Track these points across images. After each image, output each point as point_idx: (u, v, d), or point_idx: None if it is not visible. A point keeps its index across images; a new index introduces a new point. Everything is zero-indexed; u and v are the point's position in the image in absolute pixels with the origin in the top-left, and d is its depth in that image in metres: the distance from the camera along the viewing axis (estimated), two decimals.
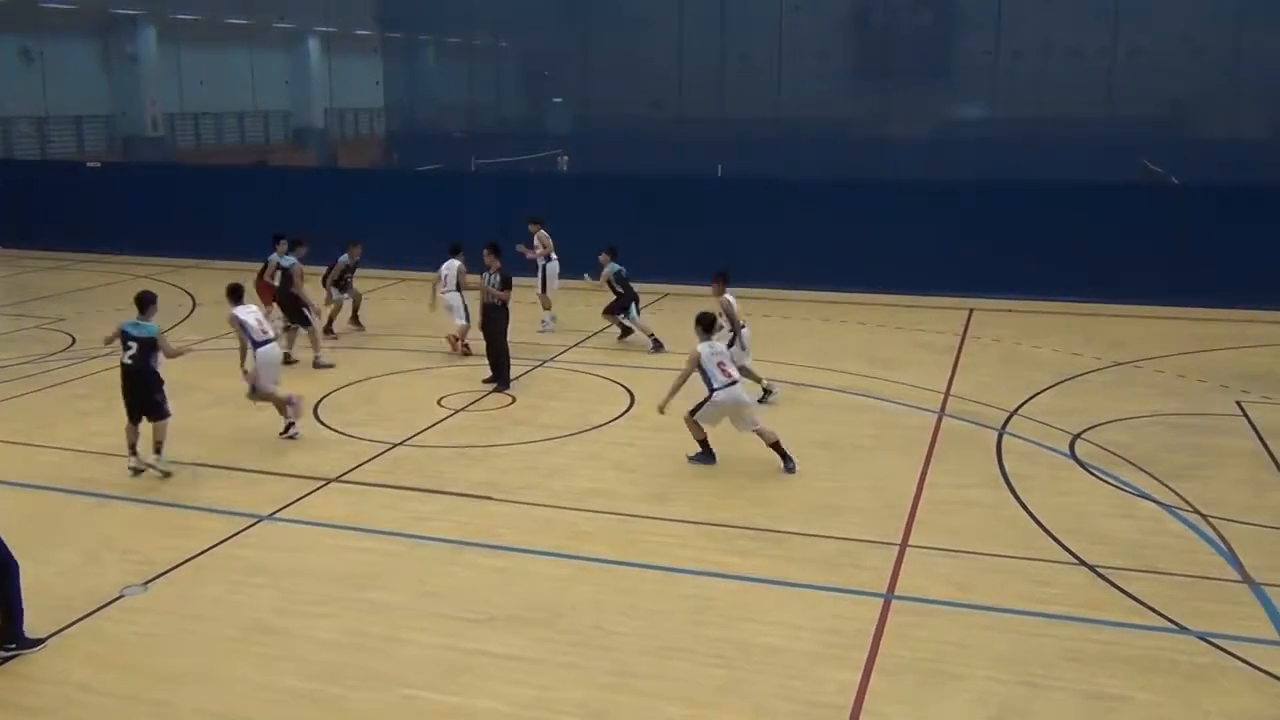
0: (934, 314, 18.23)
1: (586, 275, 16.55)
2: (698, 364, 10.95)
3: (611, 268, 16.22)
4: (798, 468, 10.90)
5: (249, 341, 11.73)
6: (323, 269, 17.07)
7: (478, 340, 14.67)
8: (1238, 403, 13.13)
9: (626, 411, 12.92)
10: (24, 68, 38.39)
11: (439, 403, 13.32)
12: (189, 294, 20.04)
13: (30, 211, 25.08)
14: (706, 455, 11.13)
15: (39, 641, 7.53)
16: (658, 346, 15.74)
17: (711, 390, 10.85)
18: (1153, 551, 8.99)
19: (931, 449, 11.59)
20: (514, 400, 13.53)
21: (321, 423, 12.61)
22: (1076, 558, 8.86)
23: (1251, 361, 15.16)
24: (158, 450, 10.76)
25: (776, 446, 10.95)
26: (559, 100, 48.32)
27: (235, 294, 11.98)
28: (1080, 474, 10.83)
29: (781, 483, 10.65)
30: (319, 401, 13.36)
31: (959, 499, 10.21)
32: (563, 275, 17.34)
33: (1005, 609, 8.04)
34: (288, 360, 14.82)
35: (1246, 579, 8.51)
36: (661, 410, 11.22)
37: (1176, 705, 6.82)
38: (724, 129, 40.34)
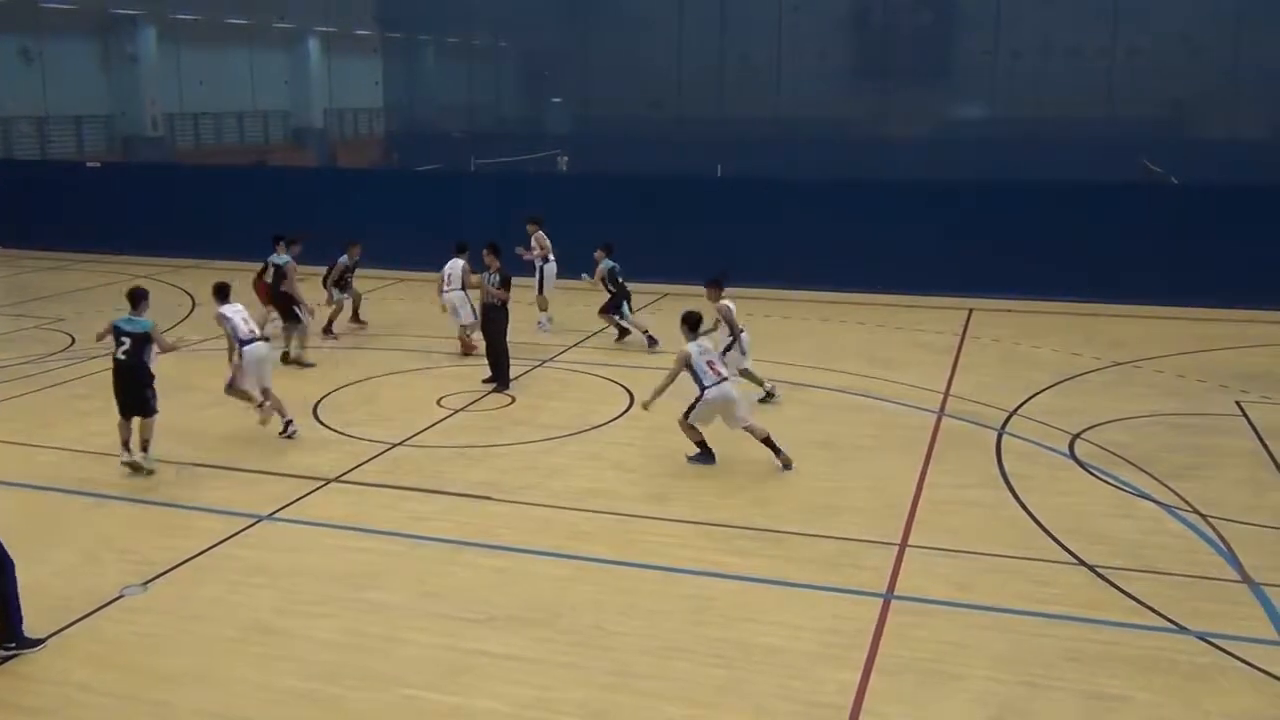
0: (933, 314, 18.23)
1: (585, 275, 16.55)
2: (687, 364, 10.94)
3: (606, 264, 16.24)
4: (793, 464, 10.90)
5: (235, 340, 11.74)
6: (321, 268, 17.09)
7: (475, 339, 14.68)
8: (1237, 403, 13.13)
9: (626, 411, 12.92)
10: (24, 68, 38.39)
11: (438, 403, 13.32)
12: (189, 294, 20.03)
13: (30, 211, 25.07)
14: (706, 455, 11.12)
15: (39, 641, 7.53)
16: (652, 343, 15.78)
17: (703, 389, 10.85)
18: (1152, 551, 8.99)
19: (931, 449, 11.59)
20: (513, 400, 13.53)
21: (321, 423, 12.60)
22: (1076, 558, 8.86)
23: (1251, 361, 15.16)
24: (144, 448, 10.81)
25: (768, 442, 10.96)
26: (558, 100, 48.35)
27: (221, 292, 12.00)
28: (1080, 474, 10.83)
29: (781, 482, 10.65)
30: (319, 401, 13.36)
31: (959, 499, 10.21)
32: (561, 276, 17.35)
33: (1005, 609, 8.04)
34: (286, 360, 14.84)
35: (1246, 579, 8.51)
36: (645, 407, 11.29)
37: (1176, 705, 6.82)
38: (724, 129, 40.38)
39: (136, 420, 10.76)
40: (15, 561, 7.52)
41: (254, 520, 9.74)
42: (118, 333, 10.67)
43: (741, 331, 12.75)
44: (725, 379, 10.95)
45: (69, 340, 16.48)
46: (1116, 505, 10.05)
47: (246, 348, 11.71)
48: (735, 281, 19.00)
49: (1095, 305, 18.48)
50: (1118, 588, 8.34)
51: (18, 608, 7.45)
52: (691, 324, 11.19)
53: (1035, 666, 7.23)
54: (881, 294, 19.43)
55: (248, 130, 49.62)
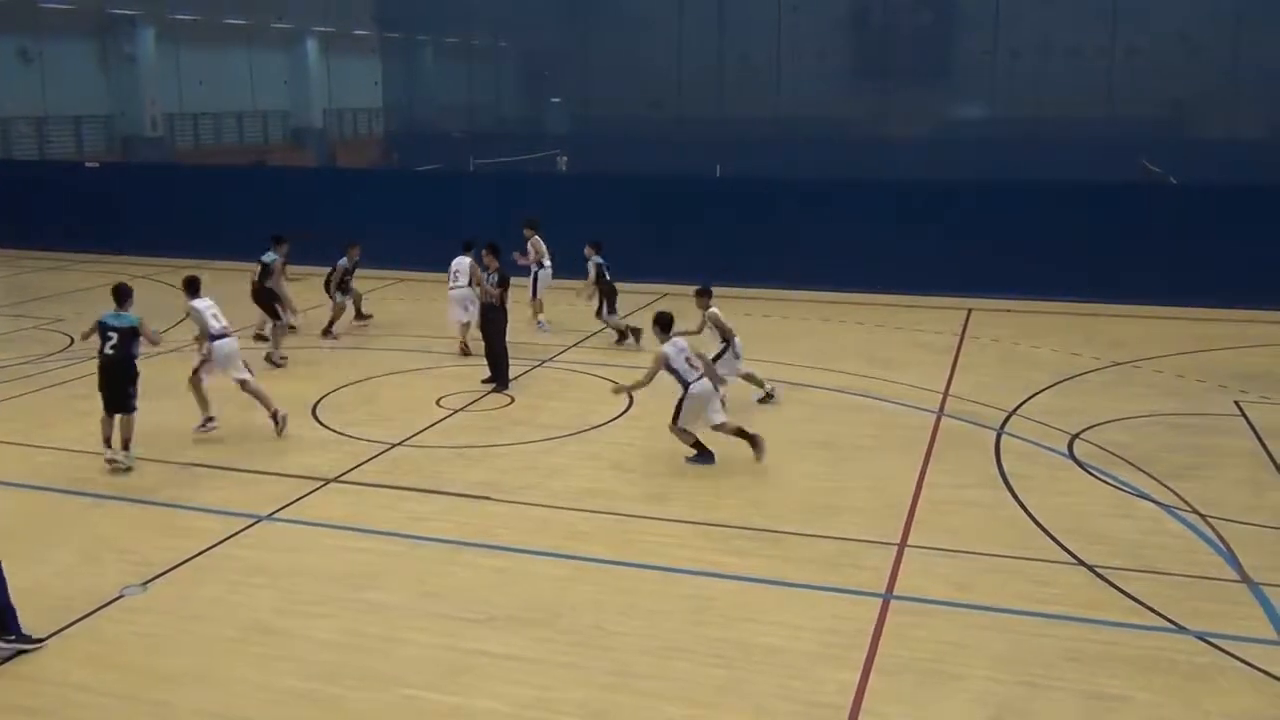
0: (933, 314, 18.22)
1: (580, 288, 16.66)
2: (666, 365, 10.97)
3: (595, 261, 16.31)
4: (763, 441, 11.00)
5: (206, 334, 11.75)
6: (319, 268, 17.10)
7: (476, 340, 14.68)
8: (1236, 403, 13.13)
9: (625, 412, 12.91)
10: (23, 68, 38.38)
11: (438, 403, 13.32)
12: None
13: (29, 212, 25.07)
14: (705, 456, 11.12)
15: (39, 641, 7.52)
16: (624, 338, 16.00)
17: (687, 385, 10.91)
18: (1152, 551, 8.99)
19: (930, 449, 11.59)
20: (513, 400, 13.53)
21: (320, 423, 12.60)
22: (1075, 558, 8.86)
23: (1250, 361, 15.17)
24: (125, 446, 10.88)
25: (740, 433, 11.02)
26: (558, 100, 48.34)
27: (192, 286, 12.04)
28: (1079, 474, 10.83)
29: (780, 482, 10.65)
30: (318, 401, 13.36)
31: (958, 499, 10.21)
32: (558, 276, 17.38)
33: (1004, 609, 8.04)
34: (272, 361, 14.89)
35: (1245, 579, 8.51)
36: (615, 392, 11.57)
37: (1176, 705, 6.82)
38: (723, 129, 40.38)
39: (118, 417, 10.83)
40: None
41: (253, 520, 9.74)
42: (104, 329, 10.79)
43: (733, 336, 12.70)
44: (704, 375, 11.05)
45: (68, 340, 16.48)
46: (1116, 505, 10.05)
47: (216, 343, 11.74)
48: (736, 281, 19.18)
49: (1095, 305, 18.47)
50: (1117, 588, 8.34)
51: (9, 603, 7.43)
52: (664, 325, 11.26)
53: (1035, 666, 7.23)
54: (881, 294, 19.43)
55: (247, 130, 49.61)
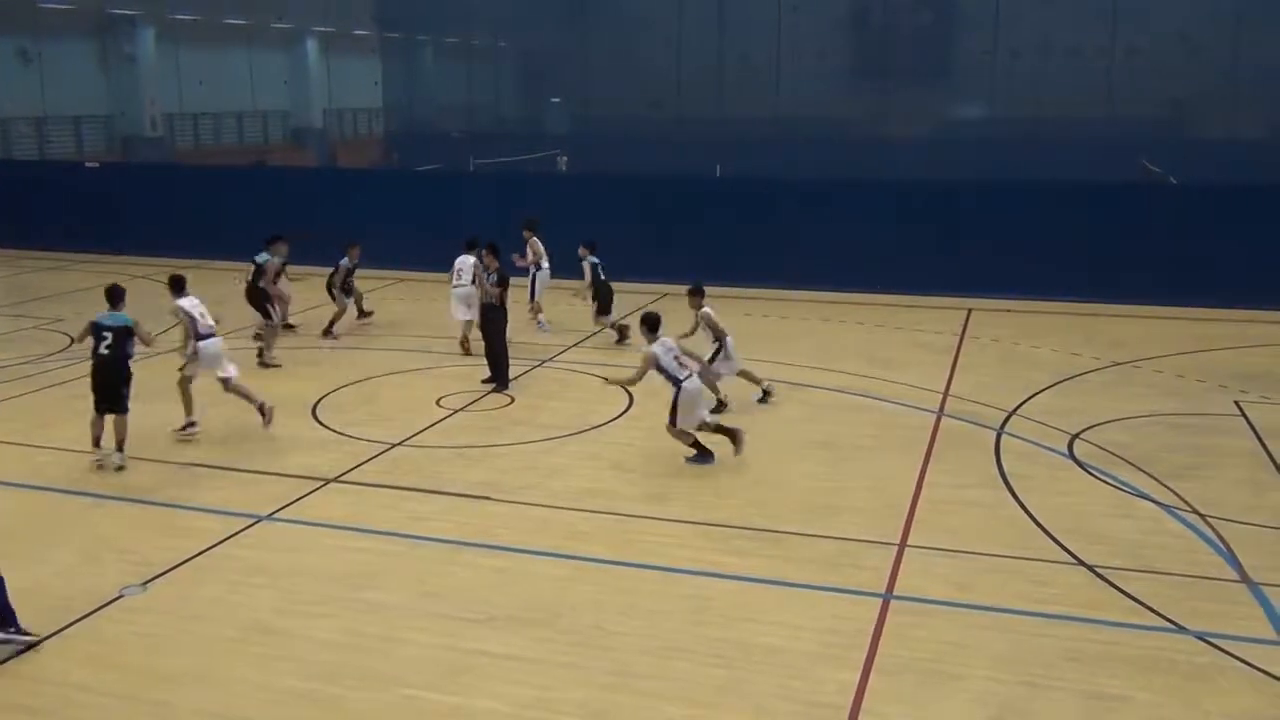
0: (933, 314, 18.22)
1: (578, 289, 16.74)
2: (656, 365, 11.04)
3: (590, 261, 16.36)
4: (743, 434, 11.08)
5: (192, 333, 11.75)
6: (317, 268, 17.10)
7: (477, 340, 14.68)
8: (1236, 403, 13.13)
9: (625, 412, 12.91)
10: (22, 68, 38.37)
11: (438, 403, 13.32)
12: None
13: (29, 212, 25.07)
14: (704, 455, 11.13)
15: (35, 637, 7.51)
16: (624, 338, 16.09)
17: (678, 384, 10.95)
18: (1152, 551, 8.99)
19: (930, 449, 11.59)
20: (513, 400, 13.53)
21: (320, 423, 12.60)
22: (1075, 558, 8.86)
23: (1250, 361, 15.17)
24: (120, 447, 10.91)
25: (720, 429, 11.10)
26: (558, 100, 48.34)
27: (177, 285, 12.04)
28: (1079, 474, 10.83)
29: (780, 482, 10.65)
30: (318, 401, 13.36)
31: (958, 499, 10.21)
32: (556, 277, 17.43)
33: (1004, 609, 8.04)
34: (264, 362, 14.90)
35: (1245, 579, 8.51)
36: (606, 382, 11.88)
37: (1176, 705, 6.82)
38: (723, 129, 40.38)
39: (110, 418, 10.87)
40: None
41: (253, 520, 9.74)
42: (99, 329, 10.82)
43: (726, 335, 12.71)
44: (694, 373, 11.13)
45: (68, 340, 16.44)
46: (1116, 505, 10.05)
47: (202, 343, 11.74)
48: (735, 281, 19.20)
49: (1095, 305, 18.47)
50: (1117, 588, 8.34)
51: (9, 607, 7.44)
52: (651, 325, 11.33)
53: (1035, 666, 7.24)
54: (881, 294, 19.42)
55: (247, 130, 49.61)
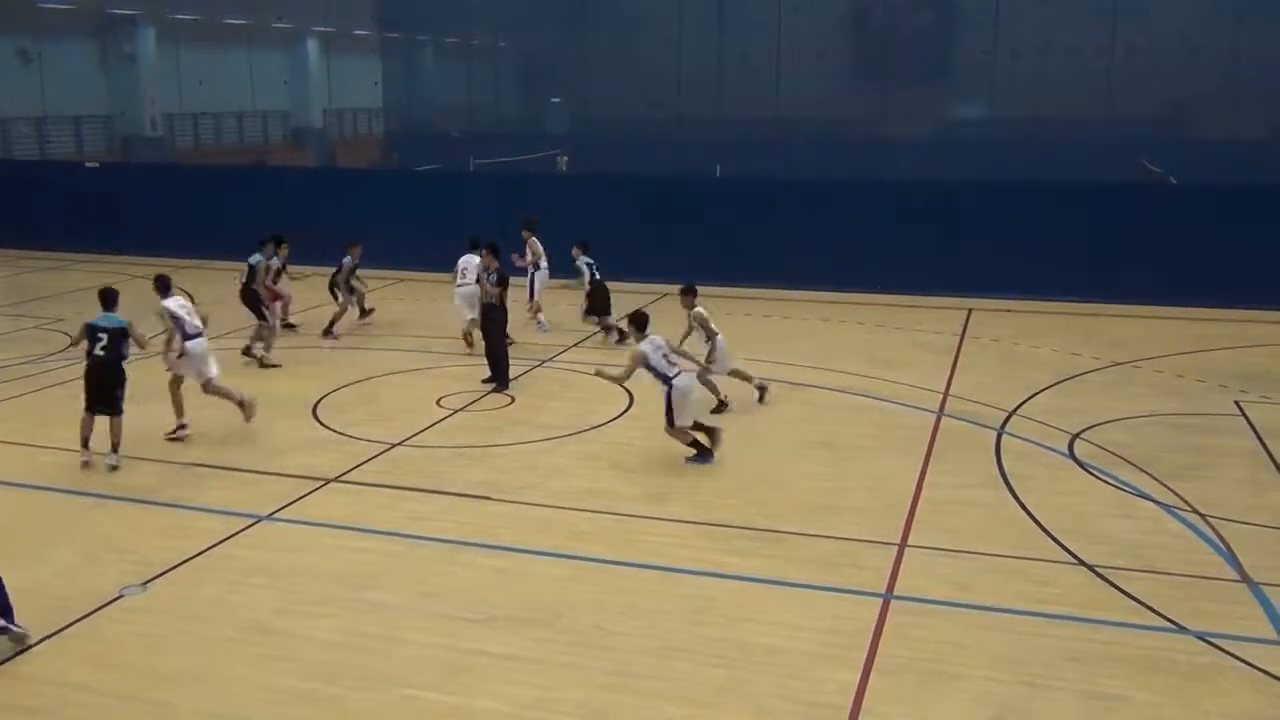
0: (933, 314, 18.22)
1: (571, 282, 16.76)
2: (645, 363, 11.10)
3: (585, 260, 16.46)
4: (721, 433, 11.15)
5: (179, 333, 11.73)
6: (316, 268, 17.09)
7: (479, 336, 14.70)
8: (1236, 403, 13.13)
9: (625, 412, 12.92)
10: (22, 68, 38.37)
11: (438, 403, 13.32)
12: (188, 294, 19.97)
13: (29, 212, 25.07)
14: (704, 455, 11.13)
15: (26, 638, 7.50)
16: (624, 336, 16.01)
17: (669, 381, 11.00)
18: (1152, 551, 8.99)
19: (931, 449, 11.59)
20: (513, 400, 13.53)
21: (321, 423, 12.60)
22: (1076, 558, 8.86)
23: (1250, 361, 15.17)
24: (115, 448, 10.94)
25: (698, 426, 11.17)
26: (558, 100, 48.34)
27: (163, 286, 12.06)
28: (1079, 474, 10.83)
29: (780, 482, 10.65)
30: (318, 401, 13.36)
31: (958, 499, 10.21)
32: (555, 276, 17.46)
33: (1005, 609, 8.04)
34: (255, 357, 14.87)
35: (1245, 579, 8.51)
36: (597, 374, 11.97)
37: (1176, 705, 6.82)
38: (723, 129, 40.40)
39: (104, 420, 10.90)
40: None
41: (253, 520, 9.73)
42: (94, 330, 10.88)
43: (716, 334, 12.69)
44: (683, 370, 11.20)
45: (69, 340, 16.45)
46: (1116, 505, 10.05)
47: (189, 342, 11.73)
48: (735, 281, 19.19)
49: (1095, 305, 18.47)
50: (1117, 588, 8.34)
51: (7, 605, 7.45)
52: (639, 324, 11.38)
53: (1035, 666, 7.23)
54: (881, 294, 19.43)
55: (247, 130, 49.61)
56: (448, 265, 16.10)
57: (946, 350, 15.88)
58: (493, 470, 11.01)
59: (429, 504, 10.14)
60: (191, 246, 23.18)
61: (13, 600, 7.46)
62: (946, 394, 13.61)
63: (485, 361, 14.09)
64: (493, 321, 13.90)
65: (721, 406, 12.72)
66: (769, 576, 8.60)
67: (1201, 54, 37.17)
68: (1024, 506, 9.95)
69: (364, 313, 17.61)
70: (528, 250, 17.15)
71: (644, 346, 11.13)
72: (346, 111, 56.62)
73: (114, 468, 10.91)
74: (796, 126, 39.74)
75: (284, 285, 16.77)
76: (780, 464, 11.11)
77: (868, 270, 19.65)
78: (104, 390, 10.85)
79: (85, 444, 10.99)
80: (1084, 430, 12.01)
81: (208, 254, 22.68)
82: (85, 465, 10.95)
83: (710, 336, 12.65)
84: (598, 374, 11.99)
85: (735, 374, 13.03)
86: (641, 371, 11.20)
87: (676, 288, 13.19)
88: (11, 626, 7.44)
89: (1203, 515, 9.70)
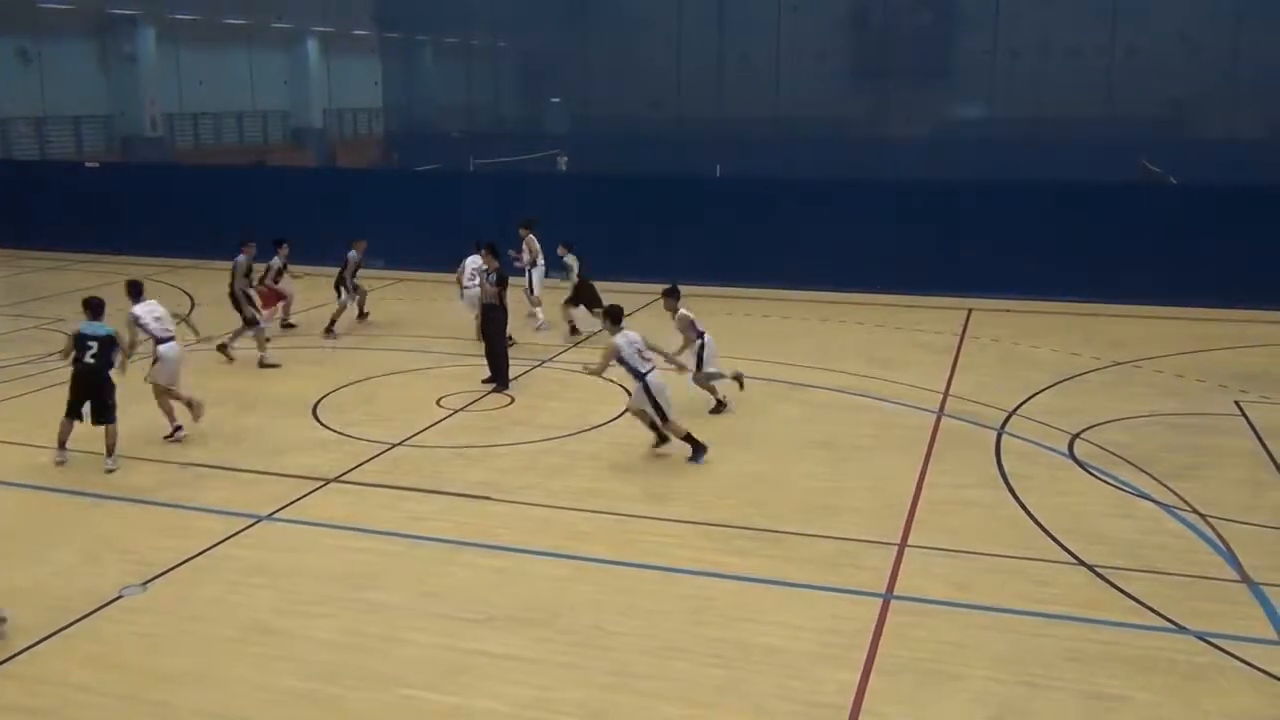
0: (933, 314, 18.22)
1: (559, 278, 16.93)
2: (618, 357, 11.15)
3: (570, 259, 16.74)
4: (705, 456, 11.17)
5: (151, 338, 11.71)
6: (316, 268, 17.08)
7: None
8: (1236, 402, 13.13)
9: (625, 411, 12.89)
10: (22, 68, 38.35)
11: (438, 403, 13.32)
12: (188, 294, 20.01)
13: (29, 212, 25.07)
14: (701, 450, 11.14)
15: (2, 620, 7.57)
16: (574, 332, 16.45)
17: (642, 377, 11.05)
18: (1151, 551, 8.99)
19: (930, 449, 11.59)
20: (513, 400, 13.53)
21: (321, 423, 12.60)
22: (1075, 558, 8.86)
23: (1250, 361, 15.17)
24: (110, 452, 10.98)
25: (687, 437, 11.17)
26: (557, 100, 48.35)
27: (135, 291, 12.05)
28: (1079, 474, 10.83)
29: (780, 482, 10.65)
30: (318, 401, 13.36)
31: (958, 499, 10.21)
32: (553, 276, 17.55)
33: (1004, 609, 8.04)
34: (262, 363, 14.89)
35: (1245, 579, 8.51)
36: (584, 370, 12.14)
37: (1176, 705, 6.82)
38: (723, 129, 40.40)
39: (100, 426, 10.95)
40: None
41: (253, 520, 9.73)
42: (83, 339, 10.90)
43: (704, 334, 12.67)
44: (656, 367, 11.24)
45: (59, 354, 16.45)
46: (1116, 505, 10.05)
47: (162, 346, 11.73)
48: (734, 281, 19.19)
49: (1095, 305, 18.47)
50: (1117, 587, 8.34)
51: None
52: (614, 317, 11.48)
53: (1035, 666, 7.23)
54: (881, 294, 19.42)
55: (247, 130, 49.60)
56: (448, 265, 16.11)
57: (946, 350, 15.88)
58: (492, 470, 11.01)
59: (429, 504, 10.14)
60: (191, 246, 23.18)
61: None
62: (946, 394, 13.61)
63: (485, 361, 14.09)
64: (492, 321, 13.90)
65: (720, 407, 12.71)
66: (768, 576, 8.61)
67: (1201, 54, 37.16)
68: (1024, 506, 9.95)
69: (362, 314, 17.62)
70: (525, 248, 17.18)
71: (618, 340, 11.19)
72: (346, 111, 56.60)
73: (111, 471, 10.91)
74: (796, 126, 39.74)
75: (285, 285, 16.78)
76: (780, 464, 11.11)
77: (868, 270, 19.65)
78: (95, 400, 10.90)
79: (61, 445, 11.07)
80: (1084, 430, 12.01)
81: (207, 254, 22.62)
82: (60, 464, 11.01)
83: (698, 337, 12.60)
84: (584, 370, 12.14)
85: (710, 375, 12.87)
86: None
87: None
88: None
89: (1202, 515, 9.70)
